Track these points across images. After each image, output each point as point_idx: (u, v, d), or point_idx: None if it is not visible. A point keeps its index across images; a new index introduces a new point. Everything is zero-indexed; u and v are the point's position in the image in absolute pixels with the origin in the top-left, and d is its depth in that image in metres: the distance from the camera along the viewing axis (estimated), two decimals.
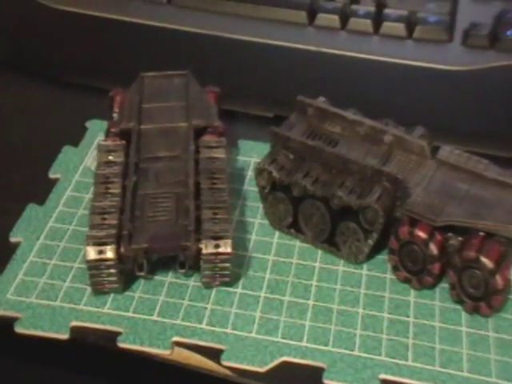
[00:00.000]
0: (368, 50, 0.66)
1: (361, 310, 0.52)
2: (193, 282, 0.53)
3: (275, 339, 0.50)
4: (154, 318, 0.51)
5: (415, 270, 0.52)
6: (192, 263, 0.52)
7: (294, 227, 0.56)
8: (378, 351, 0.49)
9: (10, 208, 0.58)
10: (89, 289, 0.52)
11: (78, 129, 0.65)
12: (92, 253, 0.50)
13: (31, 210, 0.58)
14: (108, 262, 0.50)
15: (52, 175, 0.61)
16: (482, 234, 0.50)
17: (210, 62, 0.67)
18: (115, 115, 0.60)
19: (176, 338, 0.50)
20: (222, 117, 0.61)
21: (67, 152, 0.63)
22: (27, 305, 0.51)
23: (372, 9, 0.67)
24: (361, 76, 0.65)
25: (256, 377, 0.48)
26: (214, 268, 0.51)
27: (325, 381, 0.48)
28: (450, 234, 0.51)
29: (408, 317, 0.51)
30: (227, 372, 0.49)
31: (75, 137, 0.64)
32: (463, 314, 0.52)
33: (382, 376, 0.48)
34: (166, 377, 0.50)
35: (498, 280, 0.49)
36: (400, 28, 0.66)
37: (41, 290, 0.52)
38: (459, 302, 0.52)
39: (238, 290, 0.53)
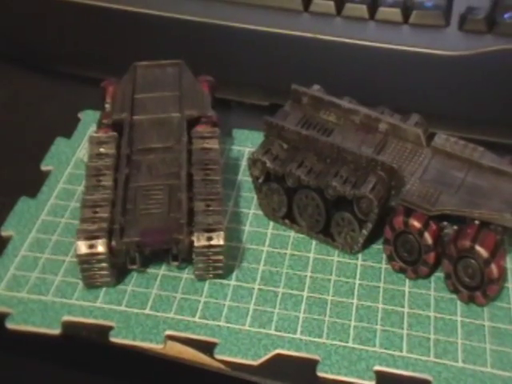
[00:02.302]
0: (364, 36, 0.65)
1: (355, 301, 0.51)
2: (186, 275, 0.53)
3: (269, 332, 0.50)
4: (147, 311, 0.51)
5: (410, 260, 0.52)
6: (185, 256, 0.51)
7: (288, 218, 0.56)
8: (373, 343, 0.49)
9: (1, 201, 0.58)
10: (81, 283, 0.52)
11: (70, 120, 0.65)
12: (83, 247, 0.50)
13: (23, 203, 0.57)
14: (99, 256, 0.50)
15: (44, 167, 0.61)
16: (477, 222, 0.50)
17: (203, 50, 0.67)
18: (107, 106, 0.60)
19: (169, 332, 0.50)
20: (216, 106, 0.61)
21: (59, 144, 0.62)
22: (18, 300, 0.51)
23: None
24: (357, 63, 0.65)
25: (250, 370, 0.48)
26: (207, 261, 0.51)
27: (319, 373, 0.48)
28: (445, 223, 0.51)
29: (403, 307, 0.51)
30: (221, 365, 0.48)
31: (68, 128, 0.64)
32: (458, 303, 0.51)
33: (377, 368, 0.48)
34: (159, 371, 0.50)
35: (494, 269, 0.49)
36: (396, 13, 0.65)
37: (32, 284, 0.52)
38: (454, 291, 0.51)
39: (232, 282, 0.52)
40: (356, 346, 0.49)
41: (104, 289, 0.52)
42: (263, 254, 0.54)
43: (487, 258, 0.49)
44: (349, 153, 0.52)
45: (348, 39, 0.65)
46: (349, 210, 0.53)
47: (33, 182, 0.59)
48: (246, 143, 0.63)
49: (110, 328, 0.50)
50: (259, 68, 0.66)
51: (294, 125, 0.55)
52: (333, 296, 0.52)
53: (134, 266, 0.51)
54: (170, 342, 0.49)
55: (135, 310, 0.51)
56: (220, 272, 0.52)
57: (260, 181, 0.56)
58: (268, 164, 0.54)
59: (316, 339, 0.49)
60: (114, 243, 0.50)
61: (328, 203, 0.53)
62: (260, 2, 0.67)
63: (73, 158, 0.61)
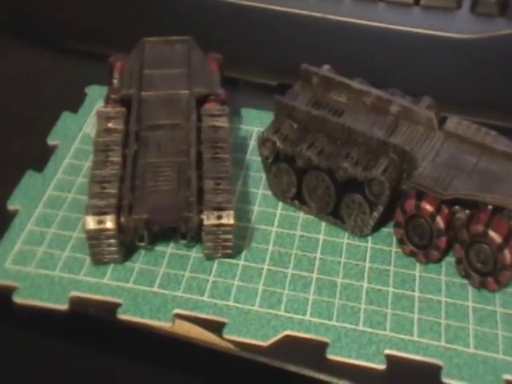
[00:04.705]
0: (374, 17, 0.65)
1: (365, 284, 0.51)
2: (194, 254, 0.52)
3: (278, 313, 0.49)
4: (155, 289, 0.50)
5: (421, 244, 0.52)
6: (194, 234, 0.51)
7: (297, 199, 0.55)
8: (383, 326, 0.49)
9: (7, 175, 0.57)
10: (88, 259, 0.51)
11: (77, 95, 0.64)
12: (91, 223, 0.49)
13: (30, 177, 0.57)
14: (108, 233, 0.49)
15: (51, 142, 0.60)
16: (490, 207, 0.49)
17: (212, 27, 0.66)
18: (115, 81, 0.59)
19: (177, 311, 0.49)
20: (224, 84, 0.60)
21: (66, 118, 0.62)
22: (25, 274, 0.51)
23: None
24: (367, 44, 0.64)
25: (259, 351, 0.48)
26: (216, 239, 0.50)
27: (329, 356, 0.47)
28: (457, 208, 0.50)
29: (413, 291, 0.51)
30: (229, 345, 0.48)
31: (74, 103, 0.63)
32: (470, 289, 0.51)
33: (387, 351, 0.47)
34: (166, 350, 0.49)
35: (507, 255, 0.48)
36: None
37: (39, 259, 0.51)
38: (466, 276, 0.51)
39: (241, 262, 0.52)
40: (366, 329, 0.48)
41: (112, 265, 0.51)
42: (272, 235, 0.54)
43: (500, 244, 0.48)
44: (360, 134, 0.52)
45: (358, 20, 0.65)
46: (359, 192, 0.52)
47: (39, 156, 0.58)
48: (255, 123, 0.62)
49: (118, 305, 0.49)
50: (268, 47, 0.66)
51: (305, 105, 0.54)
52: (343, 278, 0.51)
53: (143, 244, 0.51)
54: (178, 321, 0.49)
55: (143, 288, 0.50)
56: (229, 251, 0.51)
57: (269, 161, 0.55)
58: (278, 144, 0.54)
59: (326, 321, 0.49)
60: (122, 220, 0.49)
61: (338, 185, 0.53)
62: None
63: (79, 133, 0.60)
